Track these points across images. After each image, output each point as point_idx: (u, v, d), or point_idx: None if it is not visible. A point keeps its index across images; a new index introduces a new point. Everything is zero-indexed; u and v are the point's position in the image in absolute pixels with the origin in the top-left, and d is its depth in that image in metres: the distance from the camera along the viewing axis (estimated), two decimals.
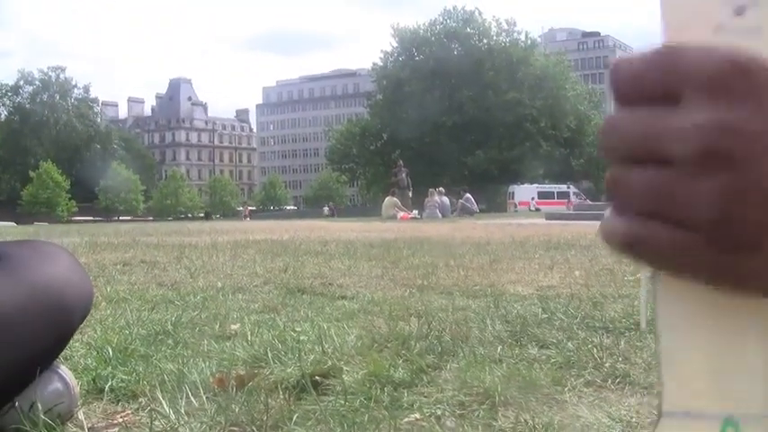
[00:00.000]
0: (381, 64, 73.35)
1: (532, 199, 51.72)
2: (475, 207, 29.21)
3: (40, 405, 1.43)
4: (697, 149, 0.43)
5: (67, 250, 1.49)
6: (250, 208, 72.05)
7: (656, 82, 0.45)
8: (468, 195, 29.53)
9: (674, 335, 0.49)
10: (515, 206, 49.30)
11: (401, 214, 25.06)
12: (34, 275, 1.33)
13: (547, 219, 20.46)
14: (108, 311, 3.15)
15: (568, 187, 56.44)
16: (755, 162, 0.42)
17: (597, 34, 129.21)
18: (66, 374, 1.53)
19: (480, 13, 72.57)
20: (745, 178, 0.42)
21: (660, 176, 0.44)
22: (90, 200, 77.62)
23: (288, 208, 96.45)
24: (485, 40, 71.55)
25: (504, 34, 72.84)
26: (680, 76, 0.44)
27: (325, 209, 57.44)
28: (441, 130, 63.94)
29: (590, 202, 36.90)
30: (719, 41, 0.44)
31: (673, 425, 0.48)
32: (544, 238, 9.21)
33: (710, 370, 0.48)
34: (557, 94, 68.98)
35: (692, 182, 0.43)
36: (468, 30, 71.38)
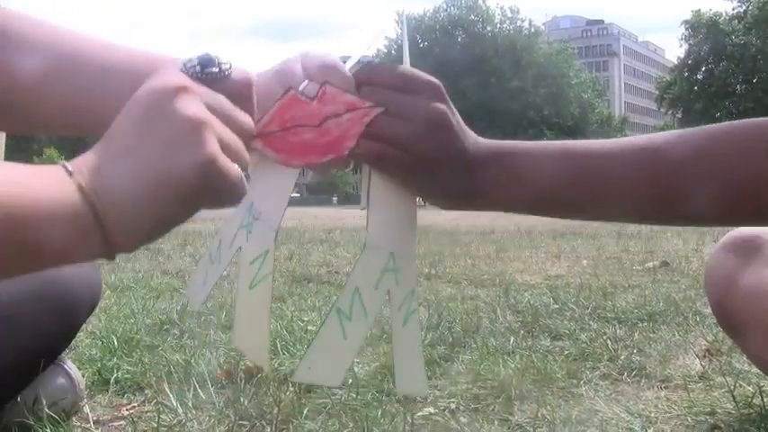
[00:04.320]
0: (385, 51, 73.28)
1: None
2: None
3: (44, 400, 1.39)
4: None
5: None
6: None
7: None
8: None
9: (376, 200, 0.89)
10: None
11: None
12: None
13: None
14: (112, 300, 3.12)
15: None
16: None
17: (601, 22, 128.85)
18: (71, 369, 1.49)
19: (484, 1, 72.44)
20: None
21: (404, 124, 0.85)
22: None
23: (292, 195, 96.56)
24: (488, 28, 71.46)
25: (507, 22, 72.83)
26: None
27: (334, 198, 57.23)
28: None
29: None
30: None
31: (372, 253, 0.88)
32: (550, 227, 9.19)
33: (386, 224, 0.90)
34: (560, 81, 68.98)
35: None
36: (472, 17, 71.27)
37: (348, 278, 0.89)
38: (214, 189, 0.70)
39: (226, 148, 0.70)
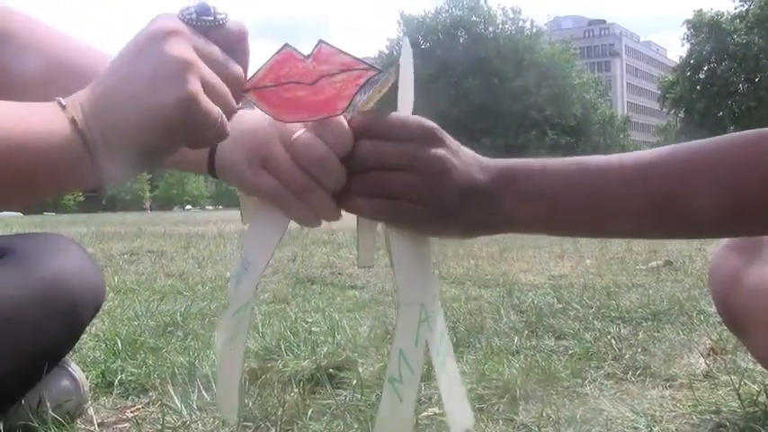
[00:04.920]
0: (387, 52, 73.13)
1: None
2: None
3: (48, 402, 1.39)
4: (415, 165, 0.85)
5: (78, 244, 1.45)
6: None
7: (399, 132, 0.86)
8: None
9: (401, 257, 0.88)
10: None
11: None
12: (43, 270, 1.29)
13: None
14: (116, 302, 3.12)
15: None
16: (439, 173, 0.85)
17: (603, 22, 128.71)
18: (75, 371, 1.49)
19: (486, 1, 72.34)
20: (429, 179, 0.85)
21: (406, 177, 0.84)
22: (95, 189, 77.16)
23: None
24: (490, 29, 71.33)
25: (509, 22, 72.70)
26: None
27: None
28: (447, 118, 63.77)
29: None
30: None
31: (408, 310, 0.87)
32: None
33: (413, 277, 0.89)
34: (562, 82, 68.89)
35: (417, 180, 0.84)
36: (474, 18, 71.16)
37: (392, 344, 0.89)
38: (194, 127, 0.73)
39: (209, 90, 0.74)
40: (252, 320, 2.52)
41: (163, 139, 0.73)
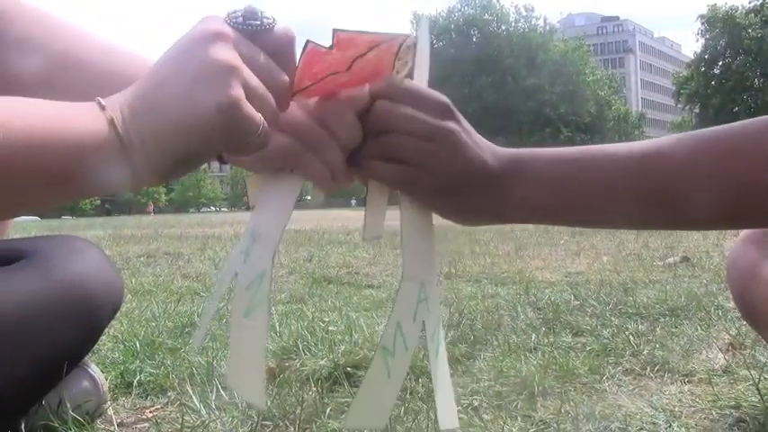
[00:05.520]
0: None
1: None
2: None
3: (68, 403, 1.40)
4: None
5: (97, 246, 1.45)
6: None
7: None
8: None
9: (410, 231, 0.88)
10: None
11: None
12: (62, 272, 1.29)
13: None
14: (134, 304, 3.13)
15: None
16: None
17: (616, 18, 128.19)
18: (94, 372, 1.50)
19: (498, 0, 72.22)
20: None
21: (421, 143, 0.85)
22: (113, 195, 77.21)
23: (308, 198, 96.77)
24: (503, 27, 71.17)
25: (522, 20, 72.55)
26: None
27: (353, 201, 57.25)
28: None
29: None
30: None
31: (409, 285, 0.86)
32: None
33: (417, 254, 0.88)
34: (576, 79, 68.66)
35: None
36: (487, 16, 71.05)
37: (390, 314, 0.86)
38: (234, 132, 0.72)
39: (252, 96, 0.72)
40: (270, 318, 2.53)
41: (202, 145, 0.72)
